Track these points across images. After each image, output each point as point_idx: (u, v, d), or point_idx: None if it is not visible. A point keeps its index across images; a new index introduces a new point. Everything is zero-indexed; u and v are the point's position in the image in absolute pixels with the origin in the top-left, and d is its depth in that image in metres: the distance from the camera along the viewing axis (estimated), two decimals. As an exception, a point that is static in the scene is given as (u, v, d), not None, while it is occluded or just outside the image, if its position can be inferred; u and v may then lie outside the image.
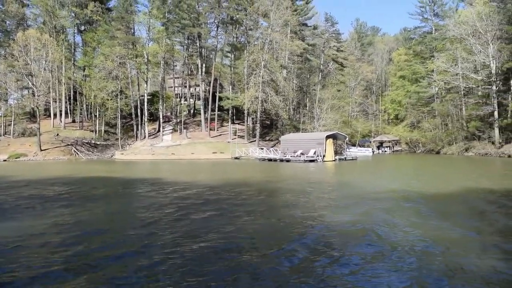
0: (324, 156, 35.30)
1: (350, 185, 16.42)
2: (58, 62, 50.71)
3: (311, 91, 62.13)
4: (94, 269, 5.48)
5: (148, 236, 7.33)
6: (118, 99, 49.98)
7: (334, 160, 35.59)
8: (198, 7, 53.55)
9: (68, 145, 46.39)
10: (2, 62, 48.52)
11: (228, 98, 52.00)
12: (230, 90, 56.67)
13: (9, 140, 46.91)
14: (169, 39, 54.57)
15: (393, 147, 63.79)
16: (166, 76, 59.63)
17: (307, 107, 59.62)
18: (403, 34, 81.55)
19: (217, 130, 54.67)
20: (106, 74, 49.53)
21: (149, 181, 18.36)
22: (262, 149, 42.14)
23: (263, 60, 46.73)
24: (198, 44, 56.21)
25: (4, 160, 40.12)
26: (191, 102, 65.71)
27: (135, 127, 53.63)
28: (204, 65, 57.68)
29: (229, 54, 60.15)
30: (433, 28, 64.24)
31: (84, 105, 55.81)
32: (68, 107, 55.51)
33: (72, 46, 58.68)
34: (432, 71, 56.50)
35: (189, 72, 65.87)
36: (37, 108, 45.70)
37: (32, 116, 53.71)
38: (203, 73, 56.84)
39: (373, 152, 56.30)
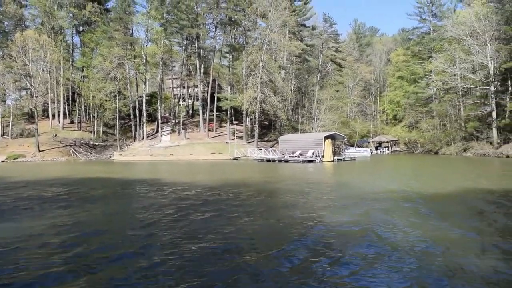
0: (322, 156, 35.31)
1: (348, 186, 16.41)
2: (56, 63, 50.63)
3: (309, 91, 62.16)
4: (93, 270, 5.46)
5: (147, 237, 7.31)
6: (117, 100, 49.92)
7: (333, 161, 35.59)
8: (197, 7, 53.62)
9: (67, 146, 46.29)
10: (0, 63, 48.37)
11: (227, 99, 51.99)
12: (229, 90, 56.73)
13: (7, 141, 46.78)
14: (168, 39, 54.55)
15: (392, 147, 63.84)
16: (164, 77, 59.56)
17: (306, 108, 59.70)
18: (401, 35, 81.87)
19: (216, 130, 54.62)
20: (105, 74, 49.42)
21: (147, 182, 18.30)
22: (260, 149, 42.14)
23: (261, 60, 46.75)
24: (196, 45, 56.17)
25: (2, 161, 39.97)
26: (189, 103, 65.71)
27: (133, 128, 53.53)
28: (202, 65, 57.68)
29: (227, 55, 60.20)
30: (431, 29, 64.44)
31: (83, 106, 55.78)
32: (66, 108, 55.40)
33: (70, 47, 58.54)
34: (430, 71, 56.57)
35: (188, 72, 65.83)
36: (35, 109, 45.67)
37: (30, 117, 53.65)
38: (202, 74, 56.86)
39: (371, 152, 56.31)
